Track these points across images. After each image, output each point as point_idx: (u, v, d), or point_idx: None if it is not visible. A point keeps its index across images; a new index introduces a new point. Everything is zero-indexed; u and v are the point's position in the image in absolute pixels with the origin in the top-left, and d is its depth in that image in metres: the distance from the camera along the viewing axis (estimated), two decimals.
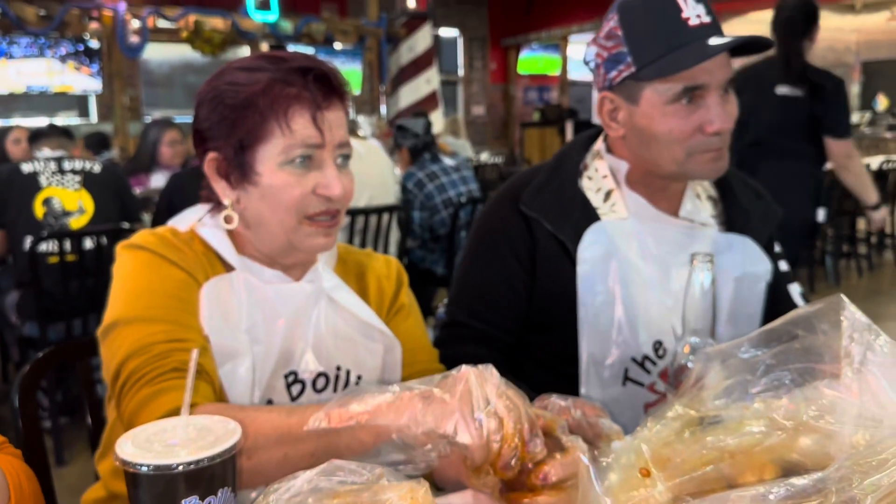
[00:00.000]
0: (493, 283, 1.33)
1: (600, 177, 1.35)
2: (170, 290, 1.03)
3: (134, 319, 1.00)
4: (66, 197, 3.13)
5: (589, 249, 1.28)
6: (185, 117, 6.96)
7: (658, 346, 1.29)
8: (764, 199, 1.43)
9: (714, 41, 1.19)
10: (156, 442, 0.69)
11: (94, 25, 7.23)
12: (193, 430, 0.71)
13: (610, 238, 1.28)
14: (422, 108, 9.54)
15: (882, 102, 11.27)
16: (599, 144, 1.38)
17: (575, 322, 1.27)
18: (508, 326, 1.35)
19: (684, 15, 1.21)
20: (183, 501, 0.66)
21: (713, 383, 0.84)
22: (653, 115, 1.23)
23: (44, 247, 2.92)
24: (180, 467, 0.66)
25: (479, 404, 0.77)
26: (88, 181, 3.16)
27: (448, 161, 4.01)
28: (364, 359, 1.15)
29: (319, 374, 1.12)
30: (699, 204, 1.37)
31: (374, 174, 3.69)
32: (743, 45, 1.20)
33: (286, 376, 1.10)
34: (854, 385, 0.76)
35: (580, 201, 1.32)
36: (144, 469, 0.66)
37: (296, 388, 1.11)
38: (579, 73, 12.85)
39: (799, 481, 0.65)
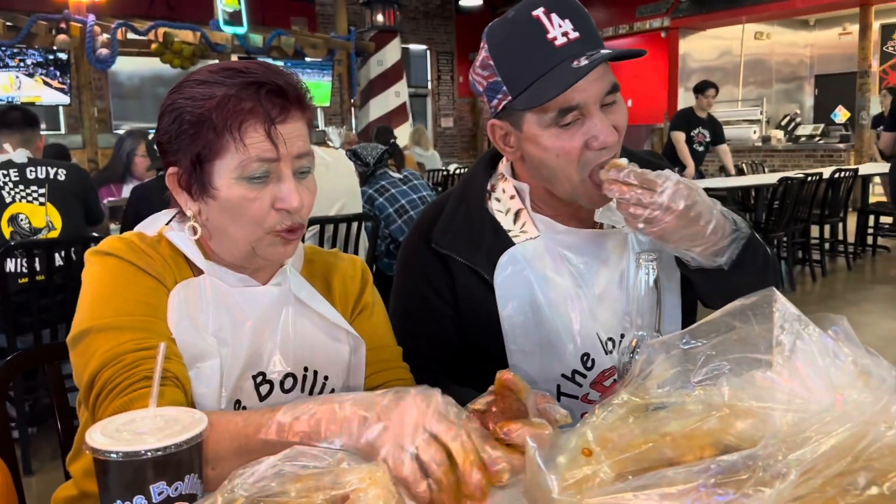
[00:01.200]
0: (421, 321, 1.34)
1: (507, 198, 1.35)
2: (139, 296, 1.05)
3: (104, 328, 1.01)
4: (33, 213, 3.06)
5: (504, 276, 1.29)
6: (155, 129, 6.91)
7: (586, 358, 1.31)
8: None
9: (582, 61, 1.15)
10: (125, 431, 0.72)
11: (62, 37, 7.17)
12: (161, 420, 0.74)
13: (524, 260, 1.30)
14: (391, 121, 9.62)
15: (843, 114, 11.56)
16: (502, 166, 1.38)
17: (503, 347, 1.29)
18: (442, 357, 1.37)
19: (550, 35, 1.17)
20: (151, 487, 0.69)
21: (658, 373, 0.89)
22: (537, 139, 1.22)
23: (11, 266, 2.87)
24: (149, 454, 0.69)
25: (411, 438, 0.79)
26: (53, 192, 3.11)
27: (395, 174, 4.14)
28: (331, 359, 1.18)
29: (287, 375, 1.15)
30: (612, 205, 1.35)
31: (344, 183, 3.73)
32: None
33: (254, 377, 1.12)
34: (784, 372, 0.82)
35: (490, 227, 1.33)
36: (114, 456, 0.69)
37: (264, 389, 1.13)
38: None
39: (730, 457, 0.70)
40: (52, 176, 3.14)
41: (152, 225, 1.17)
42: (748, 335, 0.87)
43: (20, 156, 3.12)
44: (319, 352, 1.17)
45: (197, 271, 1.11)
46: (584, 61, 1.15)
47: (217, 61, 8.93)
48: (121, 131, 7.51)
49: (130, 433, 0.72)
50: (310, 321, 1.17)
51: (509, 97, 1.21)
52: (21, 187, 3.05)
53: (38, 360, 1.31)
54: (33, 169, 3.11)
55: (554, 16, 1.18)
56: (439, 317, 1.35)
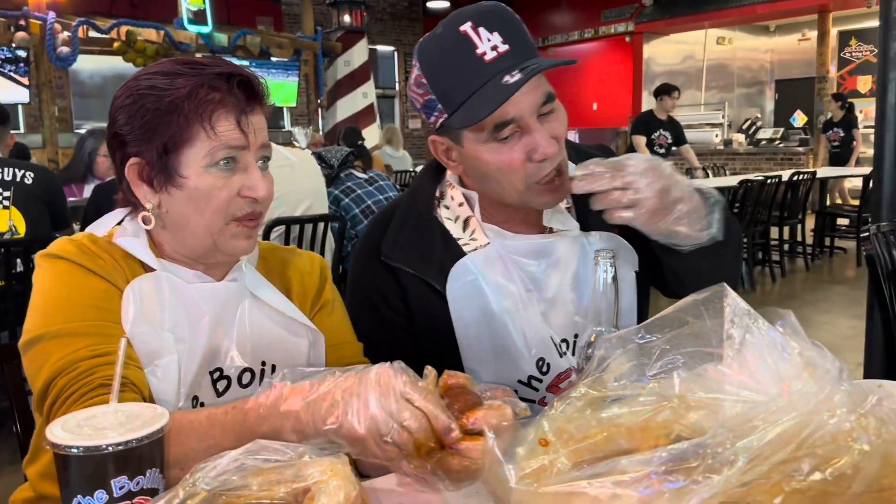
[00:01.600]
0: (374, 332, 1.34)
1: (456, 205, 1.35)
2: (90, 300, 1.04)
3: (57, 334, 1.01)
4: None
5: (456, 286, 1.29)
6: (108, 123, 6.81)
7: (541, 362, 1.32)
8: None
9: (515, 75, 1.13)
10: (85, 426, 0.72)
11: (21, 34, 7.03)
12: (122, 416, 0.74)
13: (475, 269, 1.30)
14: (359, 122, 9.60)
15: (801, 118, 11.82)
16: (449, 174, 1.37)
17: (459, 355, 1.30)
18: None
19: (479, 51, 1.15)
20: (112, 481, 0.70)
21: (614, 367, 0.92)
22: (478, 154, 1.21)
23: None
24: (109, 448, 0.69)
25: (386, 425, 0.80)
26: (19, 195, 3.01)
27: (360, 175, 4.14)
28: (289, 354, 1.18)
29: (245, 370, 1.15)
30: (561, 207, 1.35)
31: (310, 184, 3.73)
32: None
33: (212, 373, 1.13)
34: (734, 364, 0.84)
35: (440, 236, 1.33)
36: (75, 451, 0.69)
37: (222, 384, 1.13)
38: None
39: (681, 446, 0.73)
40: (18, 178, 3.05)
41: (104, 224, 1.16)
42: (700, 330, 0.90)
43: None
44: (277, 346, 1.18)
45: (150, 271, 1.11)
46: (516, 75, 1.13)
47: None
48: (82, 131, 7.39)
49: (91, 428, 0.72)
50: (266, 316, 1.17)
51: (445, 115, 1.20)
52: None
53: None
54: (0, 170, 3.03)
55: (482, 30, 1.16)
56: (391, 327, 1.35)
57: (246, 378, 1.16)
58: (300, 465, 0.75)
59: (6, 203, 3.01)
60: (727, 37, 13.46)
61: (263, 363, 1.17)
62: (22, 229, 3.02)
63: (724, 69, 13.62)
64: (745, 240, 6.26)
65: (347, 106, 10.28)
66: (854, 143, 9.14)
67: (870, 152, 8.69)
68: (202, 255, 1.12)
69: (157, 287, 1.09)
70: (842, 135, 9.29)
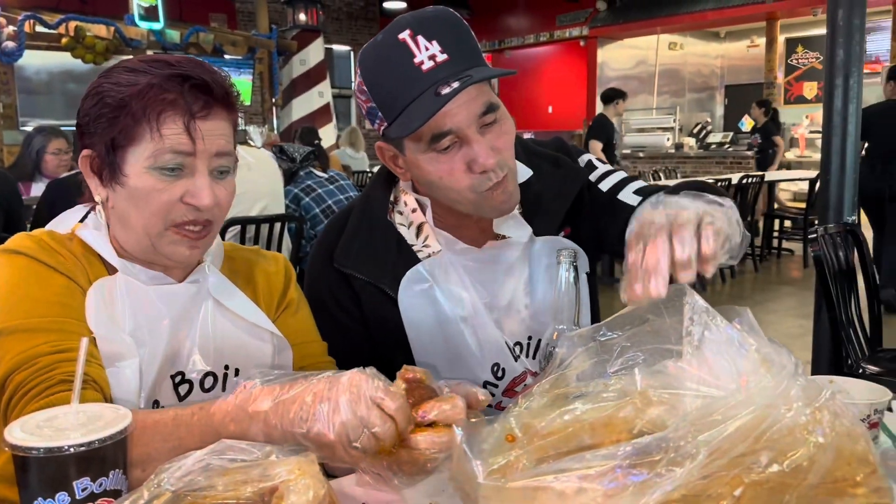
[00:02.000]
0: (330, 336, 1.32)
1: (409, 211, 1.34)
2: (51, 297, 1.02)
3: (15, 329, 0.98)
4: None
5: (409, 293, 1.29)
6: (66, 126, 6.67)
7: (496, 367, 1.32)
8: (562, 167, 1.39)
9: (453, 84, 1.11)
10: (45, 427, 0.71)
11: None
12: (84, 416, 0.73)
13: (429, 276, 1.30)
14: (315, 121, 9.53)
15: (748, 123, 12.10)
16: (403, 181, 1.34)
17: (413, 359, 1.30)
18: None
19: (416, 60, 1.13)
20: (75, 483, 0.69)
21: (577, 364, 0.93)
22: (419, 164, 1.20)
23: None
24: (71, 449, 0.68)
25: (355, 432, 0.80)
26: None
27: (321, 174, 4.13)
28: (253, 358, 1.17)
29: (207, 374, 1.13)
30: (515, 214, 1.33)
31: (267, 184, 3.69)
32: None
33: (173, 377, 1.11)
34: (694, 361, 0.86)
35: (394, 242, 1.32)
36: (35, 452, 0.68)
37: (183, 388, 1.12)
38: None
39: (644, 440, 0.74)
40: None
41: (64, 222, 1.15)
42: (661, 327, 0.92)
43: None
44: (241, 350, 1.16)
45: (111, 269, 1.09)
46: (454, 84, 1.11)
47: (131, 56, 8.68)
48: (28, 128, 7.19)
49: (52, 429, 0.70)
50: (229, 320, 1.16)
51: (385, 124, 1.19)
52: None
53: None
54: None
55: (420, 38, 1.13)
56: (346, 331, 1.34)
57: (208, 382, 1.14)
58: (267, 464, 0.74)
59: None
60: (679, 42, 13.73)
61: (227, 367, 1.15)
62: None
63: (676, 74, 13.89)
64: None
65: (303, 105, 10.21)
66: (775, 148, 9.22)
67: (816, 157, 8.96)
68: (148, 255, 1.10)
69: (116, 290, 1.07)
70: (759, 140, 9.38)
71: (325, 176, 4.11)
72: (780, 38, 12.55)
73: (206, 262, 1.16)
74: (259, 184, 3.62)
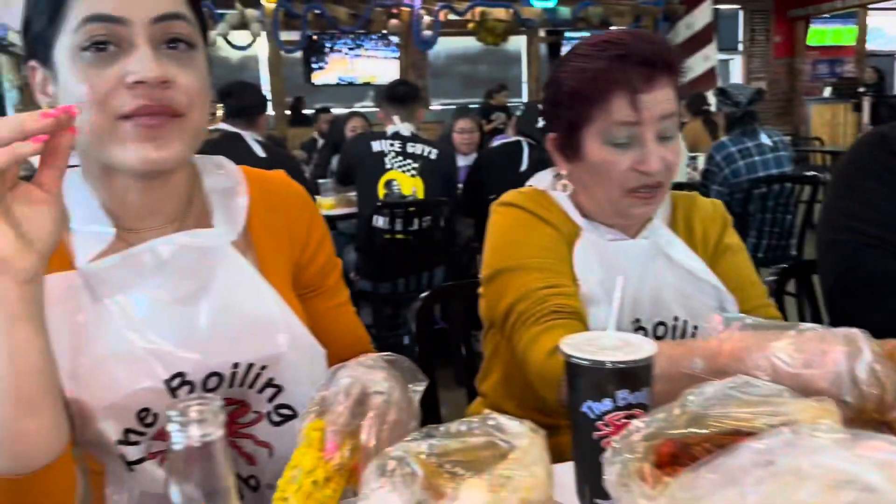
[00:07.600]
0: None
1: None
2: (541, 242, 1.21)
3: (515, 268, 1.19)
4: (404, 182, 3.47)
5: None
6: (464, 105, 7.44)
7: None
8: None
9: None
10: (587, 345, 0.85)
11: (394, 22, 7.95)
12: (619, 341, 0.86)
13: None
14: (698, 86, 9.22)
15: None
16: None
17: None
18: None
19: None
20: (616, 392, 0.81)
21: None
22: None
23: (381, 223, 3.33)
24: (610, 364, 0.81)
25: (847, 387, 0.81)
26: (423, 169, 3.48)
27: (765, 139, 3.77)
28: (698, 310, 1.24)
29: (660, 323, 1.24)
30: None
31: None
32: None
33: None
34: None
35: None
36: (585, 363, 0.82)
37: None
38: (878, 43, 11.60)
39: None
40: (424, 154, 3.52)
41: (539, 181, 1.33)
42: None
43: (406, 129, 3.55)
44: (686, 304, 1.24)
45: (575, 226, 1.24)
46: None
47: (524, 37, 9.16)
48: (436, 108, 8.12)
49: (594, 347, 0.84)
50: (676, 275, 1.24)
51: None
52: (400, 159, 3.48)
53: (450, 295, 1.55)
54: (413, 145, 3.51)
55: None
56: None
57: (660, 331, 1.24)
58: (778, 402, 0.79)
59: (413, 172, 3.49)
60: None
61: (675, 318, 1.24)
62: (421, 195, 3.50)
63: None
64: None
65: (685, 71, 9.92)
66: None
67: None
68: (611, 218, 1.23)
69: (583, 246, 1.22)
70: None
71: (770, 143, 3.77)
72: None
73: (657, 217, 1.26)
74: None
